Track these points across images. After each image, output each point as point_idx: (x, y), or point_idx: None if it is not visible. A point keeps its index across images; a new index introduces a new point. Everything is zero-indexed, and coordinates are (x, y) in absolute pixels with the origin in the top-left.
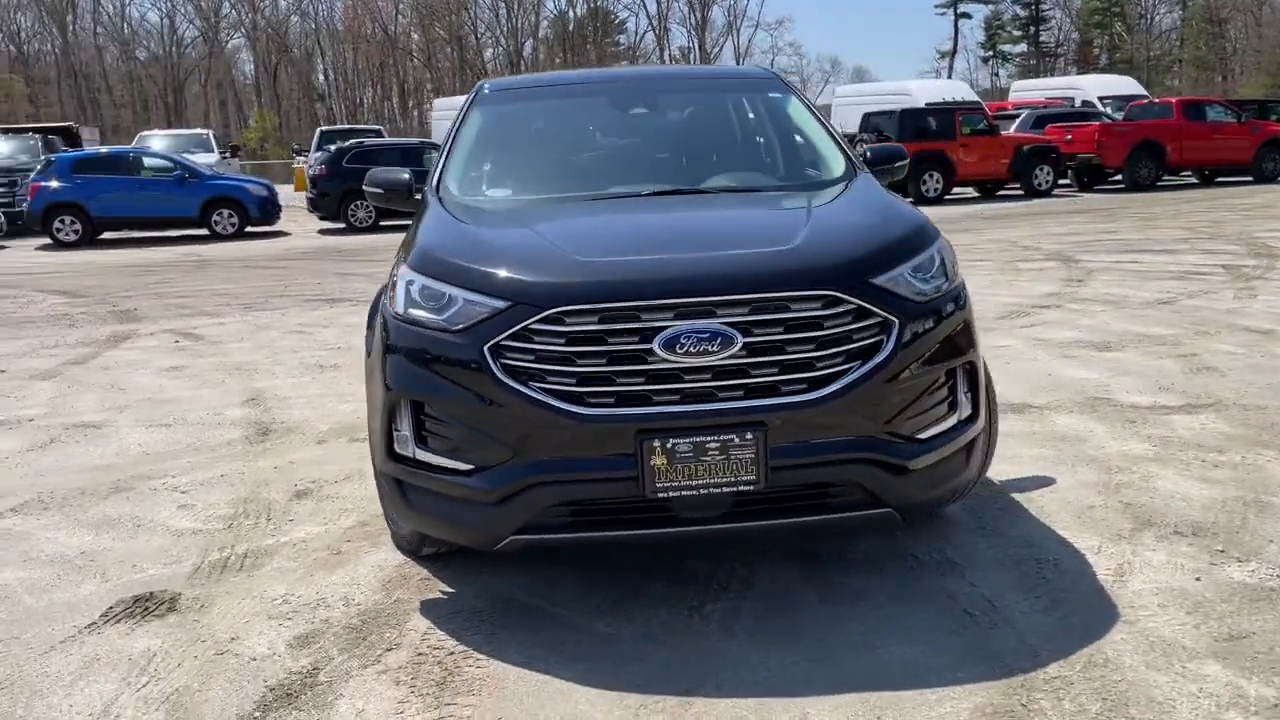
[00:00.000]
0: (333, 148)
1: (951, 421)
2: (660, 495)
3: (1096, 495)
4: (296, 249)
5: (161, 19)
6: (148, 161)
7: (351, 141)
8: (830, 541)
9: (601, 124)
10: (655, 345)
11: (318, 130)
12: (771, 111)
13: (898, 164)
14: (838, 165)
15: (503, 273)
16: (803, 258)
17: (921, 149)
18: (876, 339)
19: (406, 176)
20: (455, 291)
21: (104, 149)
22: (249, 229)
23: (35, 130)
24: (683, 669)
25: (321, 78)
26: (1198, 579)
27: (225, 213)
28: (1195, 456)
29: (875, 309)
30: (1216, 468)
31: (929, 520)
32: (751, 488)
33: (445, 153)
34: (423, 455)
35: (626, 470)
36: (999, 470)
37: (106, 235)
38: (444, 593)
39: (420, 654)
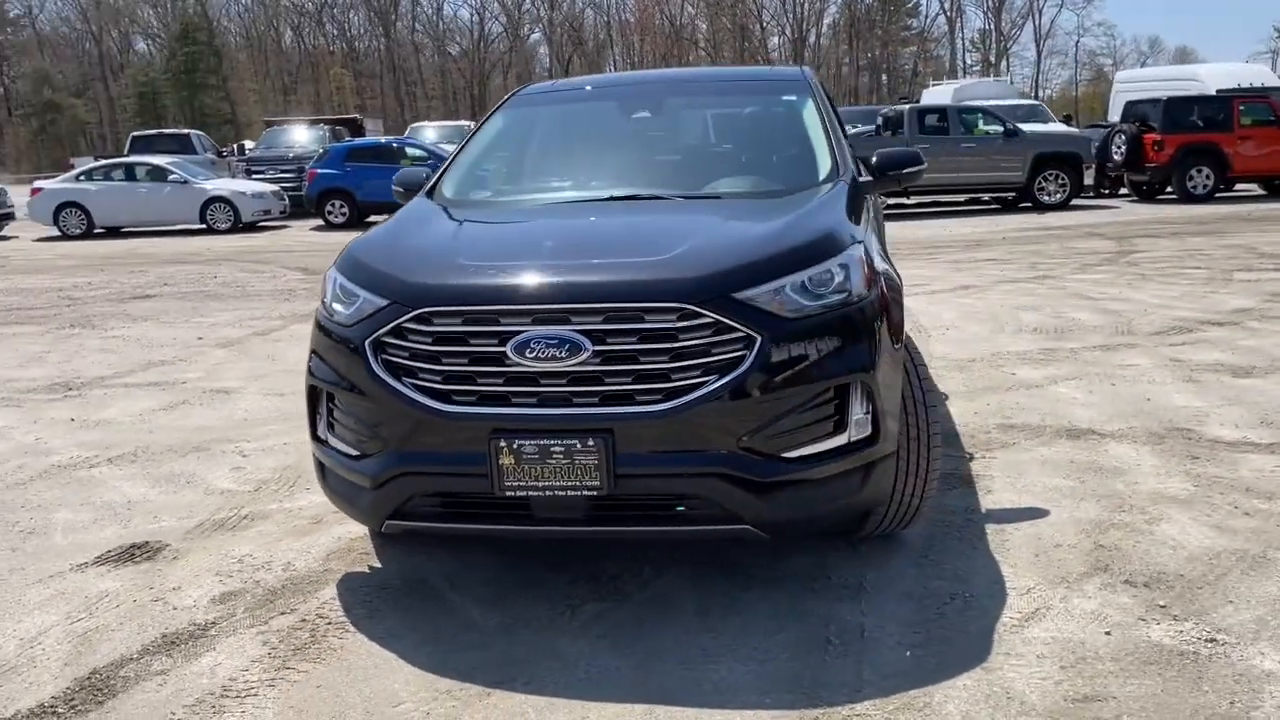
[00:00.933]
0: None
1: (837, 441)
2: (508, 494)
3: (1077, 534)
4: None
5: (471, 16)
6: (409, 151)
7: None
8: (759, 554)
9: (603, 128)
10: (508, 349)
11: None
12: (779, 115)
13: (906, 170)
14: (822, 171)
15: (391, 273)
16: (666, 270)
17: (1189, 141)
18: (738, 354)
19: (424, 175)
20: (359, 290)
21: (381, 139)
22: None
23: (326, 121)
24: (512, 662)
25: (611, 68)
26: (1108, 633)
27: None
28: (1233, 501)
29: (735, 324)
30: (1246, 515)
31: (880, 543)
32: (596, 494)
33: (454, 154)
34: (332, 439)
35: (479, 467)
36: (999, 499)
37: (372, 217)
38: (371, 568)
39: (304, 620)
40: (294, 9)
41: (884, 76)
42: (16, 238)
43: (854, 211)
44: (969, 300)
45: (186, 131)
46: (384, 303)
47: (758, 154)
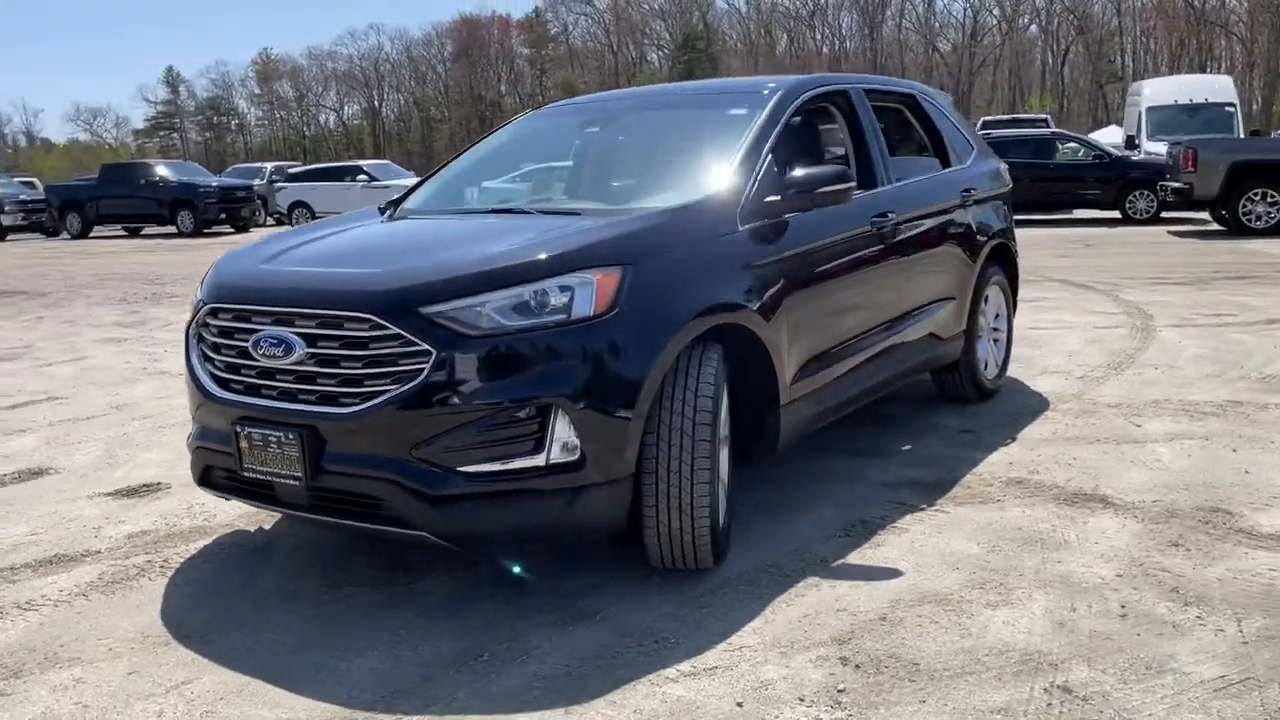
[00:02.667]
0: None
1: (533, 462)
2: (246, 474)
3: (881, 603)
4: None
5: (964, 9)
6: None
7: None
8: (549, 567)
9: (551, 145)
10: (249, 344)
11: (980, 119)
12: (713, 130)
13: (821, 190)
14: (705, 189)
15: (213, 274)
16: (371, 282)
17: None
18: (419, 366)
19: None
20: (200, 287)
21: None
22: None
23: None
24: (226, 625)
25: (1118, 58)
26: (740, 704)
27: None
28: (1133, 601)
29: (414, 337)
30: (1120, 619)
31: (679, 575)
32: (299, 483)
33: (440, 167)
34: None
35: (230, 448)
36: (875, 554)
37: None
38: (259, 529)
39: (150, 561)
40: (788, 14)
41: None
42: None
43: (659, 232)
44: (1246, 337)
45: None
46: (199, 298)
47: (663, 169)
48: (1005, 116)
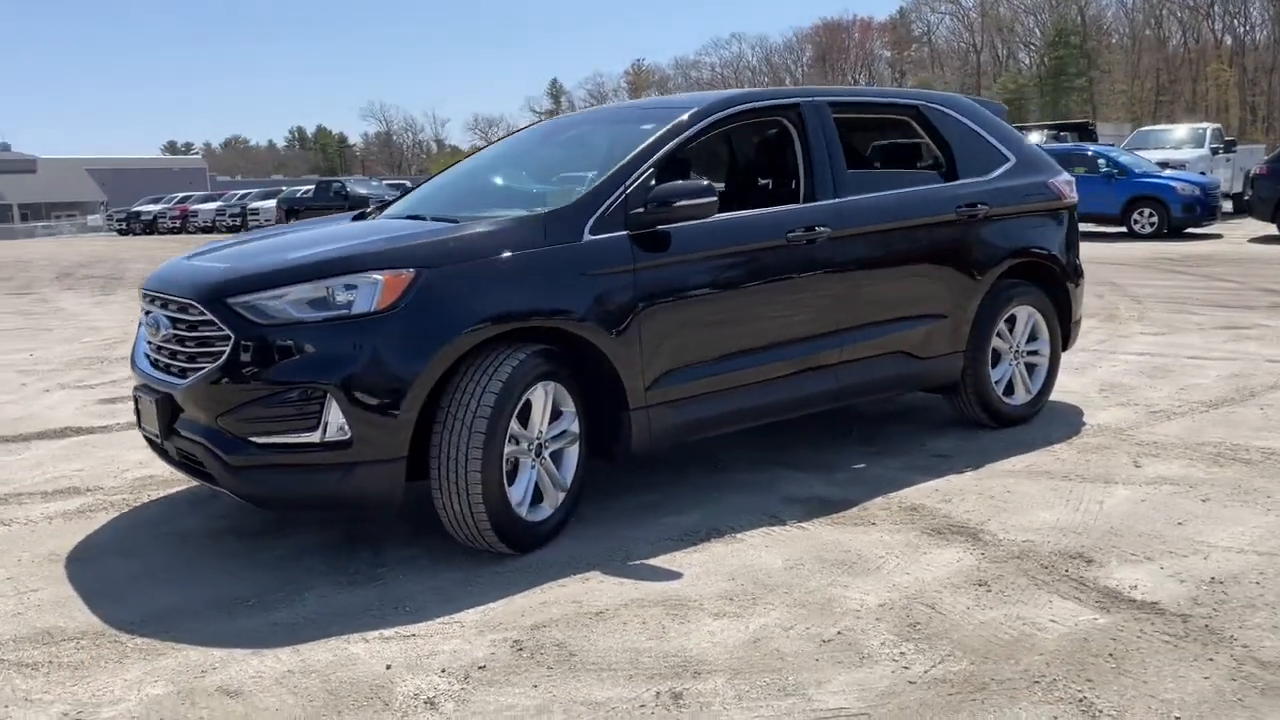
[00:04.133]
0: None
1: (309, 438)
2: (144, 433)
3: (621, 601)
4: (1171, 256)
5: None
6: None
7: None
8: (394, 532)
9: (507, 158)
10: (145, 323)
11: None
12: (616, 146)
13: (679, 204)
14: (555, 203)
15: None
16: (207, 276)
17: None
18: (223, 348)
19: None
20: None
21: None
22: (1174, 229)
23: (1050, 127)
24: (125, 553)
25: None
26: (388, 666)
27: (1145, 211)
28: (835, 627)
29: (219, 322)
30: (825, 643)
31: (485, 558)
32: (159, 441)
33: (434, 175)
34: None
35: (134, 409)
36: (680, 559)
37: None
38: (206, 490)
39: (124, 499)
40: (1182, 4)
41: None
42: None
43: (469, 239)
44: None
45: None
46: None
47: (557, 182)
48: None
